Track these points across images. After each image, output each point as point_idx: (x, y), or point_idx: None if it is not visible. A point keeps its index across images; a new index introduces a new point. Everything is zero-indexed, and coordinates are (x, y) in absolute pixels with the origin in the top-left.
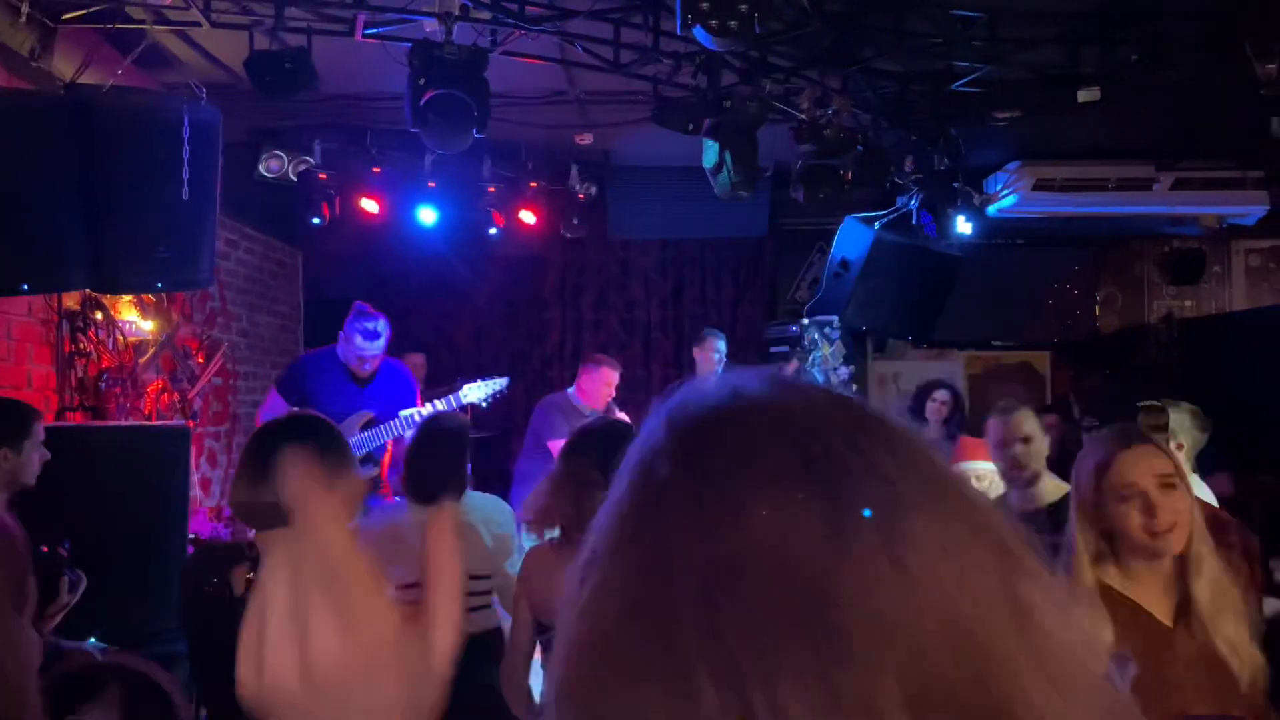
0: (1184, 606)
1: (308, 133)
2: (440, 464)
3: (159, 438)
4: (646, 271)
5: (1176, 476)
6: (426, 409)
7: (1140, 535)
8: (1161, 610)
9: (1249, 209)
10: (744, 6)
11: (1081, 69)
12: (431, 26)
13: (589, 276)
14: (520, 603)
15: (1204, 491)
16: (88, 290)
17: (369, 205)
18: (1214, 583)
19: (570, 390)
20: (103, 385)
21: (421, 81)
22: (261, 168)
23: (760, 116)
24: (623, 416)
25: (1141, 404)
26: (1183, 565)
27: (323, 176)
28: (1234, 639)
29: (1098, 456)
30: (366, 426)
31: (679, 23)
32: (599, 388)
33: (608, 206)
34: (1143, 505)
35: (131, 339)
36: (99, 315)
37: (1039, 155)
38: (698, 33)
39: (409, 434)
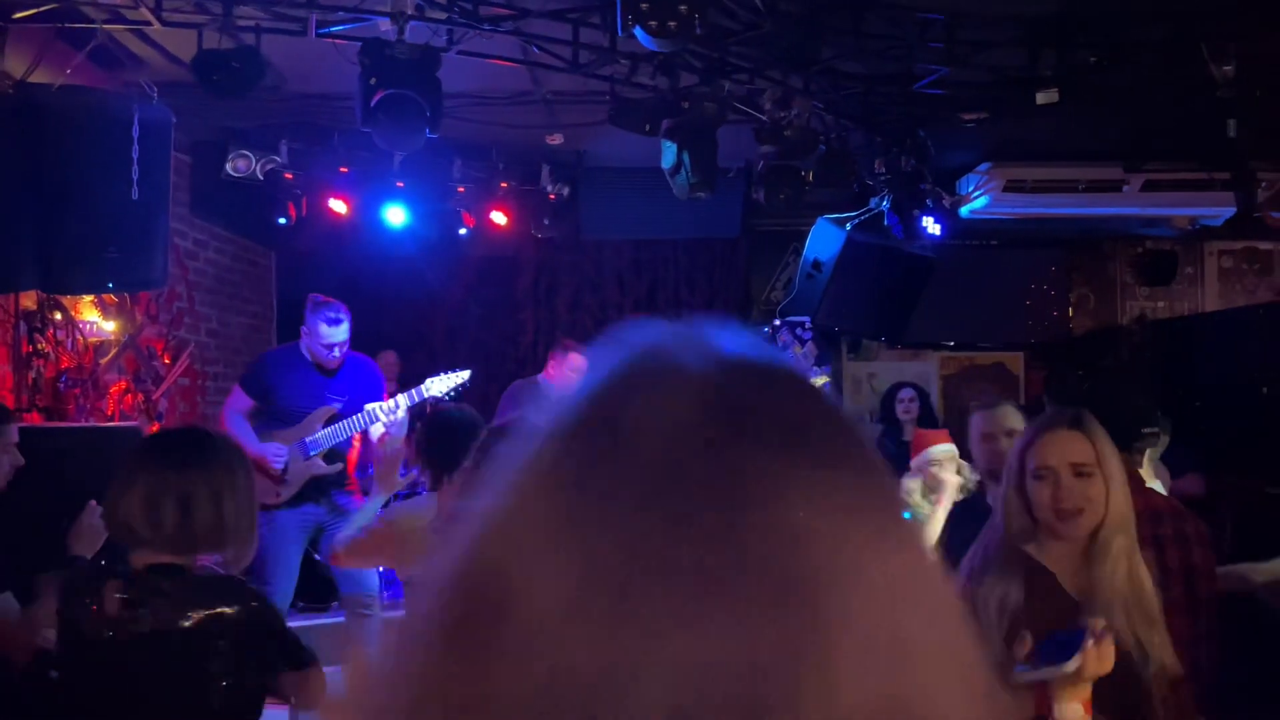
0: (1089, 588)
1: (274, 132)
2: (460, 454)
3: (112, 439)
4: (620, 272)
5: (1094, 466)
6: (389, 404)
7: (1048, 515)
8: (1071, 587)
9: (1217, 210)
10: (683, 7)
11: (1041, 71)
12: (386, 26)
13: (562, 277)
14: None
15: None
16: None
17: (337, 205)
18: (1121, 572)
19: (539, 376)
20: (61, 386)
21: (372, 81)
22: (229, 167)
23: (719, 117)
24: None
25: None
26: (1091, 550)
27: (289, 176)
28: (1138, 629)
29: (1026, 437)
30: (330, 422)
31: (619, 24)
32: (565, 373)
33: (580, 207)
34: (1053, 487)
35: (92, 339)
36: (58, 315)
37: (1010, 157)
38: (638, 33)
39: (381, 428)
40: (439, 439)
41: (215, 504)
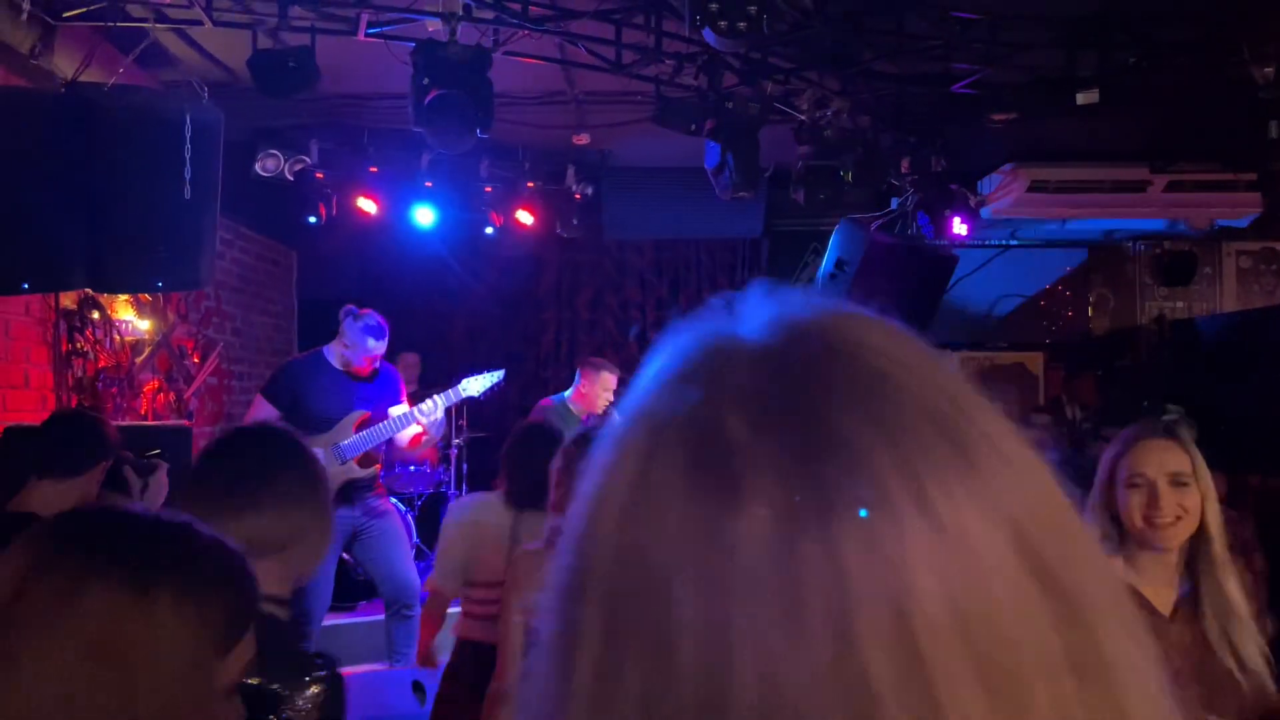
0: (1185, 600)
1: (304, 132)
2: (541, 470)
3: (160, 437)
4: (642, 272)
5: (1191, 476)
6: (428, 405)
7: (1141, 525)
8: (1161, 601)
9: (1242, 211)
10: (753, 8)
11: (1079, 72)
12: (434, 26)
13: (585, 276)
14: (512, 611)
15: None
16: (86, 290)
17: (366, 205)
18: (1220, 583)
19: (566, 394)
20: (100, 385)
21: (425, 81)
22: (258, 167)
23: (761, 117)
24: None
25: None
26: (1189, 561)
27: (319, 176)
28: (1235, 639)
29: (1118, 445)
30: (361, 426)
31: (688, 23)
32: (597, 392)
33: (604, 207)
34: (1148, 496)
35: (128, 338)
36: (96, 315)
37: (1034, 157)
38: (707, 34)
39: (416, 429)
40: (533, 453)
41: None
